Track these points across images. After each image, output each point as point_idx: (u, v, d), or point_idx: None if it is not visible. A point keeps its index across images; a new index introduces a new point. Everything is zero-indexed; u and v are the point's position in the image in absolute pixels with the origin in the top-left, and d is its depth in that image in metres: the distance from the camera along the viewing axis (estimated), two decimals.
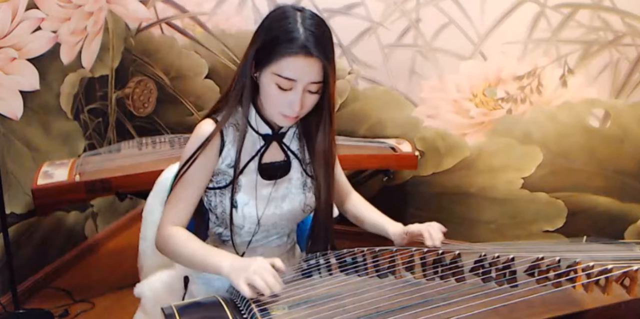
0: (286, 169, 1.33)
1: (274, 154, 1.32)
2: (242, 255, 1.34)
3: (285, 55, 1.14)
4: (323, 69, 1.17)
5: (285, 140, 1.34)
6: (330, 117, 1.29)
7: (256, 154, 1.30)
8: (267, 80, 1.19)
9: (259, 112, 1.29)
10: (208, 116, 1.29)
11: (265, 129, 1.30)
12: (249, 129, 1.29)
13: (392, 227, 1.36)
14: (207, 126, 1.26)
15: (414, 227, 1.30)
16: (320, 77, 1.18)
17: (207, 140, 1.24)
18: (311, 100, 1.21)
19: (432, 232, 1.28)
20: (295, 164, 1.34)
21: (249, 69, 1.22)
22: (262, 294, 1.05)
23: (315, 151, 1.32)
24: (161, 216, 1.27)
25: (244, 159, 1.28)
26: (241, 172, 1.28)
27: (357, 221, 1.46)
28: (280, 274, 1.09)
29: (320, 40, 1.16)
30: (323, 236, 1.36)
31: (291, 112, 1.20)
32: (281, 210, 1.32)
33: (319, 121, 1.29)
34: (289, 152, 1.34)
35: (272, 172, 1.31)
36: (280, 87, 1.17)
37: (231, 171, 1.27)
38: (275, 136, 1.31)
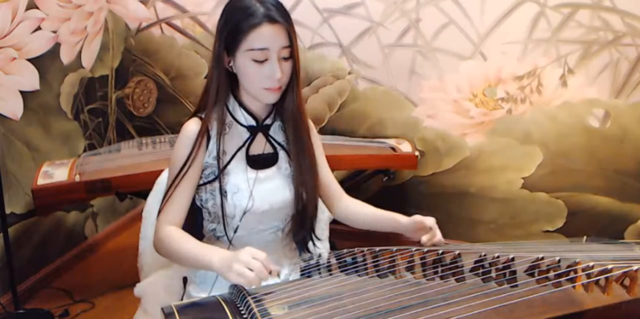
0: (274, 160, 1.36)
1: (260, 147, 1.36)
2: (229, 248, 1.35)
3: (252, 29, 1.20)
4: (288, 33, 1.23)
5: (271, 132, 1.37)
6: (297, 80, 1.31)
7: (243, 145, 1.33)
8: (242, 59, 1.24)
9: (242, 104, 1.32)
10: (193, 115, 1.33)
11: (250, 121, 1.33)
12: (234, 122, 1.32)
13: (402, 217, 1.37)
14: (192, 125, 1.30)
15: (429, 220, 1.32)
16: (287, 41, 1.23)
17: (197, 140, 1.28)
18: (287, 67, 1.26)
19: (435, 236, 1.30)
20: (282, 155, 1.37)
21: (222, 60, 1.27)
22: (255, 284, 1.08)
23: (284, 111, 1.34)
24: (157, 216, 1.30)
25: (230, 151, 1.32)
26: (229, 163, 1.31)
27: (355, 220, 1.46)
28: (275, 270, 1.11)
29: (278, 9, 1.23)
30: (307, 217, 1.37)
31: (273, 82, 1.24)
32: (270, 199, 1.34)
33: (287, 86, 1.30)
34: (275, 144, 1.37)
35: (260, 163, 1.35)
36: (256, 61, 1.22)
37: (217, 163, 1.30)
38: (260, 127, 1.35)
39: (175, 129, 3.02)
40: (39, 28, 2.31)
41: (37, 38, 2.31)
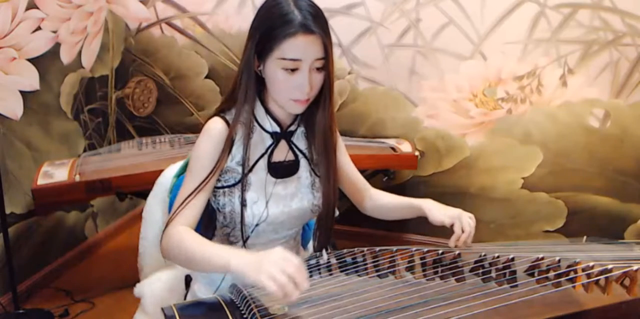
0: (295, 168, 1.33)
1: (282, 154, 1.32)
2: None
3: (286, 37, 1.14)
4: (324, 45, 1.17)
5: (294, 139, 1.33)
6: (330, 94, 1.27)
7: (265, 152, 1.29)
8: (273, 67, 1.18)
9: (267, 109, 1.28)
10: (216, 114, 1.28)
11: (274, 127, 1.29)
12: (258, 127, 1.28)
13: (426, 204, 1.36)
14: (217, 124, 1.24)
15: (456, 227, 1.30)
16: (322, 53, 1.17)
17: (225, 145, 1.23)
18: (318, 79, 1.21)
19: (462, 237, 1.29)
20: (303, 163, 1.34)
21: (252, 64, 1.22)
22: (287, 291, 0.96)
23: (315, 129, 1.30)
24: (171, 216, 1.22)
25: (253, 157, 1.28)
26: (250, 170, 1.27)
27: (383, 212, 1.46)
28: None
29: (316, 17, 1.16)
30: (326, 225, 1.35)
31: (302, 94, 1.19)
32: (289, 208, 1.31)
33: (319, 98, 1.26)
34: (297, 151, 1.33)
35: (281, 171, 1.31)
36: (286, 71, 1.17)
37: (240, 169, 1.26)
38: (284, 134, 1.31)
39: (175, 129, 3.02)
40: (39, 28, 2.31)
41: (37, 38, 2.31)
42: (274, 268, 0.96)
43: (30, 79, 2.31)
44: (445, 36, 2.50)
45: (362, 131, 2.73)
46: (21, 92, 2.26)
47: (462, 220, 1.30)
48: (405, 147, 2.55)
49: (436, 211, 1.34)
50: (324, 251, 1.35)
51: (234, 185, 1.27)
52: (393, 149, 2.51)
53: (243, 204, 1.26)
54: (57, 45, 2.44)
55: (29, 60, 2.28)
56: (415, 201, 1.40)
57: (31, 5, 2.26)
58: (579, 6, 2.32)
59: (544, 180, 2.55)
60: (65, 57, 2.50)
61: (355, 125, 2.73)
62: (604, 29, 2.31)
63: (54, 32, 2.40)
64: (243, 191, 1.26)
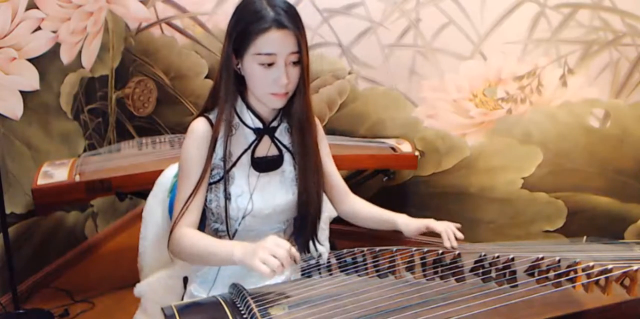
0: (278, 162, 1.36)
1: (266, 149, 1.35)
2: None
3: (260, 33, 1.19)
4: (297, 39, 1.21)
5: (277, 134, 1.36)
6: (305, 86, 1.30)
7: (248, 148, 1.33)
8: (250, 63, 1.23)
9: (249, 106, 1.32)
10: (200, 114, 1.32)
11: (257, 123, 1.33)
12: (240, 123, 1.32)
13: (401, 219, 1.40)
14: (199, 124, 1.29)
15: (434, 225, 1.34)
16: (296, 47, 1.22)
17: (211, 144, 1.27)
18: (295, 73, 1.25)
19: (449, 234, 1.32)
20: (287, 157, 1.37)
21: (231, 62, 1.26)
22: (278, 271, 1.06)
23: (292, 117, 1.34)
24: (174, 218, 1.27)
25: (236, 153, 1.31)
26: (234, 165, 1.31)
27: (358, 219, 1.49)
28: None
29: (288, 13, 1.21)
30: (309, 220, 1.37)
31: (280, 88, 1.23)
32: (274, 202, 1.34)
33: (295, 90, 1.30)
34: (280, 146, 1.36)
35: (264, 165, 1.34)
36: (263, 66, 1.21)
37: (223, 165, 1.30)
38: (267, 130, 1.34)
39: (175, 129, 3.02)
40: (39, 28, 2.31)
41: (37, 38, 2.31)
42: (264, 253, 1.06)
43: (30, 79, 2.31)
44: (445, 36, 2.50)
45: (362, 131, 2.73)
46: (21, 92, 2.26)
47: (438, 227, 1.34)
48: (405, 147, 2.55)
49: (410, 222, 1.38)
50: (322, 252, 1.36)
51: (219, 181, 1.31)
52: (393, 149, 2.51)
53: (227, 197, 1.30)
54: (57, 45, 2.44)
55: (29, 60, 2.29)
56: (391, 215, 1.43)
57: (31, 5, 2.26)
58: (579, 6, 2.32)
59: (543, 180, 2.55)
60: (65, 57, 2.51)
61: (355, 125, 2.73)
62: (604, 29, 2.31)
63: (54, 32, 2.40)
64: (226, 185, 1.29)
